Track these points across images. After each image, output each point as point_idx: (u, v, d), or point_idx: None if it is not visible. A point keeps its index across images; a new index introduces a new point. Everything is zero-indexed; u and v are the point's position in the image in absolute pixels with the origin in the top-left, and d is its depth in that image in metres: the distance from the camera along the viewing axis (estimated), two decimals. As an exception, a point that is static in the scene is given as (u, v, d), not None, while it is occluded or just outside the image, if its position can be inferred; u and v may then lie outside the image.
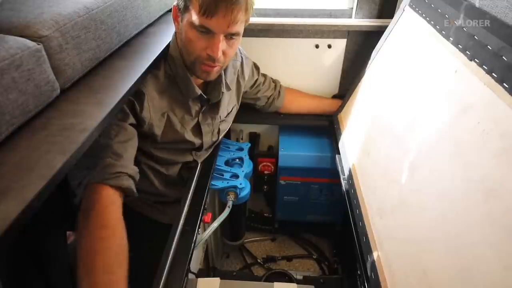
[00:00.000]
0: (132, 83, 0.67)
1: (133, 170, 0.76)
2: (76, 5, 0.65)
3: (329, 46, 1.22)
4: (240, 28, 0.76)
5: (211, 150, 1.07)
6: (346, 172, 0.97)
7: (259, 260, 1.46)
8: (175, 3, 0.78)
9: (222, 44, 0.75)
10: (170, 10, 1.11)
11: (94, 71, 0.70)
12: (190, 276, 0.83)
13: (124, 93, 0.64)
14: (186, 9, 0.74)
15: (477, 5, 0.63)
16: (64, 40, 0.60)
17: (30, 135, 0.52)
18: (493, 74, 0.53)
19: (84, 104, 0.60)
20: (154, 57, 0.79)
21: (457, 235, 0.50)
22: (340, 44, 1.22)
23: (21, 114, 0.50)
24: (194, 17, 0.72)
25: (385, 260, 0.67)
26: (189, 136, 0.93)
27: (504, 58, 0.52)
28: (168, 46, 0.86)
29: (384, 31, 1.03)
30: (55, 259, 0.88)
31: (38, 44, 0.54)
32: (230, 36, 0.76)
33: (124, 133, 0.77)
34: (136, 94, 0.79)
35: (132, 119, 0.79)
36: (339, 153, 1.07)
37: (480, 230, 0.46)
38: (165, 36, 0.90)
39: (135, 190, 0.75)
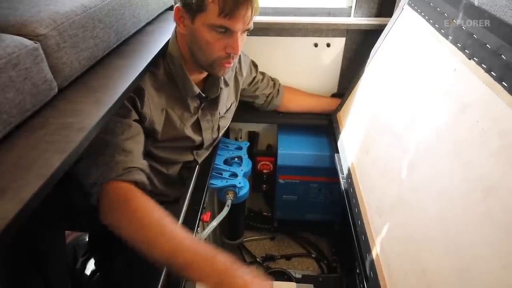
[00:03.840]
0: (131, 81, 0.67)
1: (143, 164, 0.77)
2: (73, 3, 0.65)
3: (328, 45, 1.22)
4: (252, 23, 0.78)
5: (211, 149, 1.07)
6: (345, 171, 0.97)
7: (258, 259, 1.46)
8: (178, 4, 0.76)
9: (240, 40, 0.77)
10: (168, 9, 1.10)
11: (92, 70, 0.70)
12: (189, 275, 0.83)
13: (122, 92, 0.63)
14: (199, 10, 0.73)
15: (476, 3, 0.63)
16: (61, 38, 0.59)
17: (28, 134, 0.51)
18: (492, 72, 0.53)
19: (82, 103, 0.59)
20: (153, 56, 0.78)
21: (456, 234, 0.50)
22: (339, 43, 1.21)
23: (18, 113, 0.50)
24: (213, 19, 0.72)
25: (384, 258, 0.67)
26: (189, 132, 0.93)
27: (503, 57, 0.52)
28: (166, 44, 0.85)
29: (383, 29, 1.03)
30: (53, 258, 0.88)
31: (36, 43, 0.54)
32: (243, 32, 0.78)
33: (129, 130, 0.77)
34: (136, 91, 0.79)
35: (135, 115, 0.80)
36: (338, 152, 1.07)
37: (479, 228, 0.46)
38: (163, 35, 0.89)
39: (147, 183, 0.77)
